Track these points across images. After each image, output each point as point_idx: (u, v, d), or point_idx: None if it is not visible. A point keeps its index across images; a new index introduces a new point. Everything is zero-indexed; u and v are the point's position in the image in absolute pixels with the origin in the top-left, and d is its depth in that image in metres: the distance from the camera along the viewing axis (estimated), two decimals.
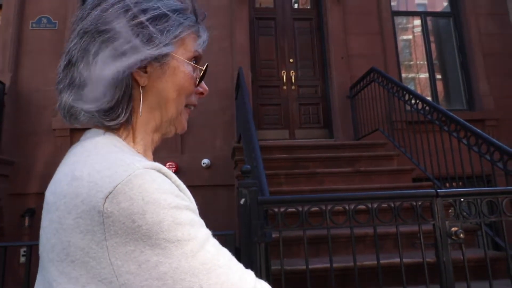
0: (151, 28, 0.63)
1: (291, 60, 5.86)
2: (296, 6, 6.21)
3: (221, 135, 5.27)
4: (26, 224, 4.62)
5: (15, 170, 4.83)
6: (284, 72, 5.79)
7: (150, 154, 0.69)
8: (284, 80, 5.77)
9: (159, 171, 0.54)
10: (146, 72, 0.65)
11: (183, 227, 0.51)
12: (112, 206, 0.49)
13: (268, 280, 2.02)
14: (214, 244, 0.54)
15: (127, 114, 0.63)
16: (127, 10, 0.63)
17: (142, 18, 0.63)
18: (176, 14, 0.66)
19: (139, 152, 0.65)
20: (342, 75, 5.63)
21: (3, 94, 4.78)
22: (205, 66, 0.72)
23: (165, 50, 0.64)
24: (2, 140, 4.75)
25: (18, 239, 4.50)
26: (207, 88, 0.75)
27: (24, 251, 4.12)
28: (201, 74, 0.71)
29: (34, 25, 5.36)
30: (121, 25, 0.62)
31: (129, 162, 0.53)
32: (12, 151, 4.87)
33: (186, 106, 0.72)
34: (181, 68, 0.67)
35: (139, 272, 0.48)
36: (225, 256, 0.54)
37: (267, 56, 5.83)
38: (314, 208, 2.15)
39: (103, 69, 0.60)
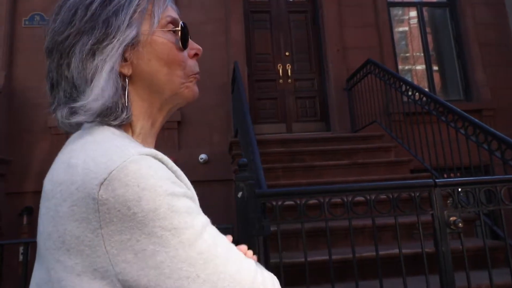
0: (104, 15, 0.60)
1: (287, 54, 5.83)
2: None
3: (218, 130, 5.24)
4: (25, 222, 4.60)
5: (11, 169, 4.80)
6: (280, 66, 5.76)
7: (151, 141, 0.68)
8: (280, 74, 5.74)
9: (155, 157, 0.53)
10: (126, 60, 0.62)
11: (180, 215, 0.49)
12: (107, 193, 0.48)
13: None
14: (211, 233, 0.53)
15: (128, 110, 0.61)
16: (76, 10, 0.61)
17: (92, 10, 0.60)
18: None
19: (137, 141, 0.63)
20: (339, 68, 5.60)
21: None
22: (180, 25, 0.66)
23: (129, 32, 0.61)
24: None
25: (17, 238, 4.47)
26: (199, 46, 0.70)
27: (23, 249, 4.10)
28: (180, 35, 0.66)
29: (26, 22, 5.30)
30: (75, 28, 0.60)
31: (124, 149, 0.52)
32: (8, 150, 4.84)
33: (189, 77, 0.68)
34: (158, 40, 0.64)
35: (135, 261, 0.47)
36: (223, 246, 0.53)
37: (263, 50, 5.80)
38: (312, 201, 2.14)
39: (83, 76, 0.59)
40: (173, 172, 0.55)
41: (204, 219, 0.54)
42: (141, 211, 0.47)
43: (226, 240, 0.55)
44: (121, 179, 0.48)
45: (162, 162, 0.54)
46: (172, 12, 0.67)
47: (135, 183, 0.48)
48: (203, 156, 5.08)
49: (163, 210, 0.48)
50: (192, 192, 0.57)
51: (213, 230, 0.54)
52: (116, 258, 0.48)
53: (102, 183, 0.48)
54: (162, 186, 0.50)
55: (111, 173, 0.48)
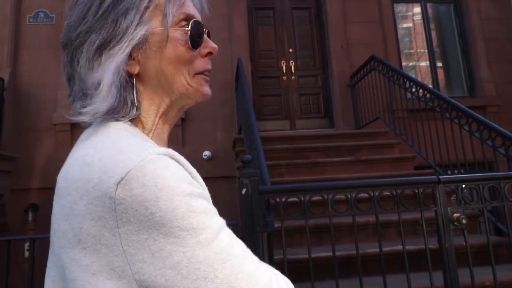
0: (114, 14, 0.59)
1: (290, 50, 5.82)
2: None
3: (221, 126, 5.25)
4: (30, 219, 4.64)
5: (17, 165, 4.83)
6: (283, 62, 5.76)
7: (164, 137, 0.67)
8: (284, 71, 5.74)
9: (172, 157, 0.52)
10: (133, 59, 0.61)
11: (198, 215, 0.49)
12: (124, 193, 0.47)
13: None
14: (228, 234, 0.53)
15: (138, 107, 0.61)
16: (90, 6, 0.60)
17: (105, 7, 0.60)
18: None
19: (151, 138, 0.63)
20: (342, 64, 5.59)
21: (3, 90, 4.76)
22: (190, 25, 0.64)
23: (138, 31, 0.60)
24: (3, 136, 4.74)
25: (22, 235, 4.51)
26: (214, 45, 0.68)
27: (29, 245, 4.14)
28: (190, 35, 0.63)
29: (31, 19, 5.32)
30: (87, 25, 0.60)
31: (142, 148, 0.51)
32: (14, 147, 4.87)
33: (197, 74, 0.66)
34: (167, 39, 0.62)
35: (152, 261, 0.47)
36: (240, 246, 0.53)
37: (266, 47, 5.79)
38: (316, 197, 2.14)
39: (90, 77, 0.59)
40: (189, 173, 0.55)
41: (221, 220, 0.54)
42: (159, 211, 0.47)
43: (242, 242, 0.55)
44: (139, 179, 0.48)
45: (179, 163, 0.53)
46: (187, 8, 0.65)
47: (153, 183, 0.48)
48: (207, 153, 5.09)
49: (181, 210, 0.48)
50: (207, 193, 0.57)
51: (229, 231, 0.54)
52: (133, 257, 0.47)
53: (119, 182, 0.48)
54: (180, 186, 0.49)
55: (129, 172, 0.48)
